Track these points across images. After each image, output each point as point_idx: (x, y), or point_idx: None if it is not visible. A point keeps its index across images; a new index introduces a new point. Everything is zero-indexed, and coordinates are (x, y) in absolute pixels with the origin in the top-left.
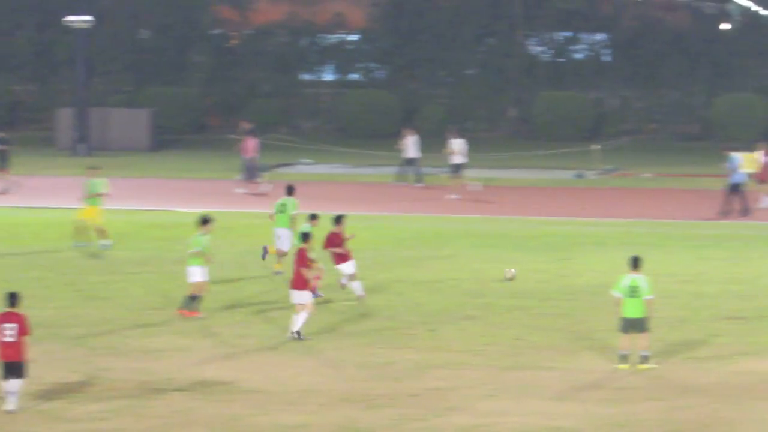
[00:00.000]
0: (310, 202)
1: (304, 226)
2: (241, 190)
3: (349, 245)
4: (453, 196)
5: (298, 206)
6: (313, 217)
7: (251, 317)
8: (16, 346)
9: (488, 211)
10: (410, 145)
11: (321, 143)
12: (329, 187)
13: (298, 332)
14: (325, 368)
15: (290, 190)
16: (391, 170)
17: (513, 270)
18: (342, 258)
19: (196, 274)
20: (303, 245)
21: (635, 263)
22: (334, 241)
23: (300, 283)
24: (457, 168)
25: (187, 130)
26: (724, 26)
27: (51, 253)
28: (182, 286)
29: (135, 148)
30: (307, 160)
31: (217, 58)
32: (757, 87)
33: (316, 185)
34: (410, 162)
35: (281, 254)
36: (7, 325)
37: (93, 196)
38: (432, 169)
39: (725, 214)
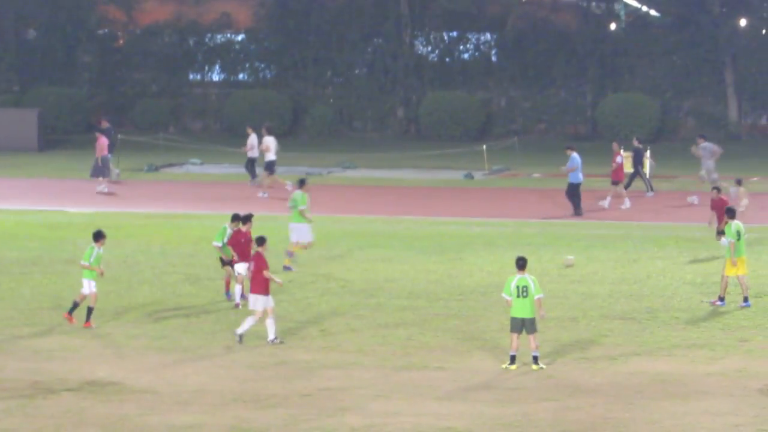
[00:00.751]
0: (199, 203)
1: (224, 227)
2: (103, 188)
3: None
4: (262, 194)
5: (307, 200)
6: (236, 218)
7: (142, 318)
8: None
9: (378, 212)
10: (254, 145)
11: (209, 143)
12: (217, 188)
13: (275, 338)
14: (216, 368)
15: (301, 184)
16: (278, 170)
17: (572, 257)
18: (242, 257)
19: (84, 286)
20: (259, 248)
21: (522, 263)
22: (238, 239)
23: (260, 287)
24: (270, 165)
25: (74, 130)
26: (612, 26)
27: None
28: (72, 286)
29: (22, 149)
30: (195, 161)
31: (104, 58)
32: (644, 86)
33: (204, 186)
34: (252, 161)
35: (308, 246)
36: None
37: None
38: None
39: (579, 213)
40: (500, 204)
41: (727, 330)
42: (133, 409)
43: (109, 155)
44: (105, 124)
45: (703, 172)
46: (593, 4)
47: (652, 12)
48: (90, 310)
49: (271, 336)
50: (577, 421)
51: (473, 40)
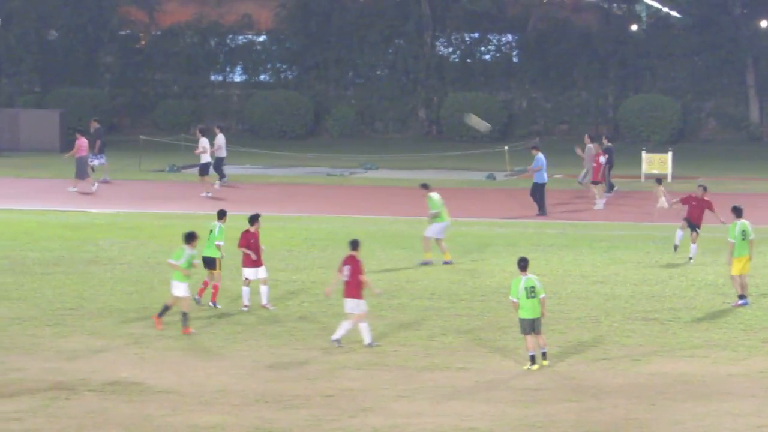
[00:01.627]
0: (220, 204)
1: (214, 225)
2: (73, 189)
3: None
4: (205, 194)
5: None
6: (221, 215)
7: (164, 318)
8: None
9: (400, 213)
10: (220, 145)
11: (231, 144)
12: (239, 188)
13: (372, 342)
14: (238, 369)
15: (426, 187)
16: (300, 171)
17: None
18: (252, 261)
19: (179, 288)
20: (353, 252)
21: (525, 264)
22: (247, 240)
23: (354, 291)
24: (206, 166)
25: (104, 131)
26: (633, 27)
27: None
28: (94, 286)
29: (45, 149)
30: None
31: (125, 59)
32: (665, 88)
33: (225, 186)
34: (220, 161)
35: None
36: None
37: None
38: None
39: (543, 213)
40: (522, 205)
41: (750, 331)
42: (156, 410)
43: (94, 156)
44: (94, 125)
45: (583, 174)
46: (614, 5)
47: (674, 13)
48: (184, 316)
49: (367, 339)
50: (599, 421)
51: (494, 41)
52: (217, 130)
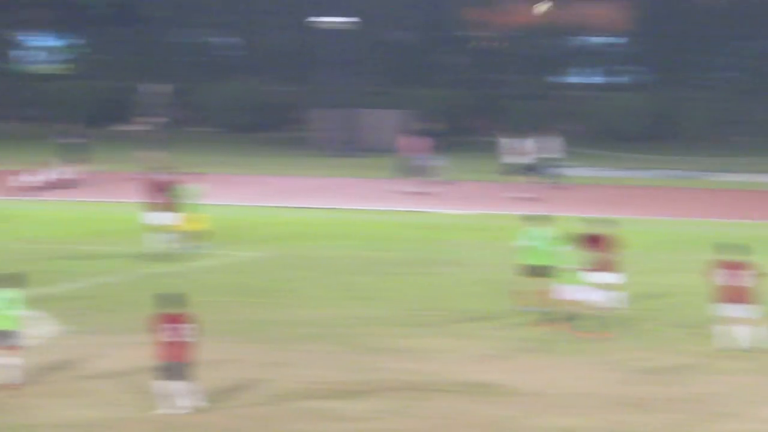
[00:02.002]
0: (561, 205)
1: (540, 230)
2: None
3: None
4: (518, 195)
5: None
6: (528, 219)
7: (520, 318)
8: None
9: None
10: (532, 146)
11: (580, 146)
12: (592, 190)
13: (748, 346)
14: (600, 372)
15: None
16: (654, 174)
17: None
18: (600, 265)
19: (577, 291)
20: (732, 257)
21: None
22: (595, 244)
23: (736, 295)
24: (528, 167)
25: (450, 132)
26: None
27: (314, 252)
28: (451, 287)
29: (388, 150)
30: (571, 163)
31: (474, 60)
32: None
33: (581, 188)
34: (533, 166)
35: None
36: (177, 326)
37: (189, 203)
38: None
39: None
40: None
41: None
42: (516, 411)
43: (428, 157)
44: (430, 126)
45: None
46: None
47: None
48: (570, 317)
49: (743, 344)
50: None
51: None
52: (535, 133)
